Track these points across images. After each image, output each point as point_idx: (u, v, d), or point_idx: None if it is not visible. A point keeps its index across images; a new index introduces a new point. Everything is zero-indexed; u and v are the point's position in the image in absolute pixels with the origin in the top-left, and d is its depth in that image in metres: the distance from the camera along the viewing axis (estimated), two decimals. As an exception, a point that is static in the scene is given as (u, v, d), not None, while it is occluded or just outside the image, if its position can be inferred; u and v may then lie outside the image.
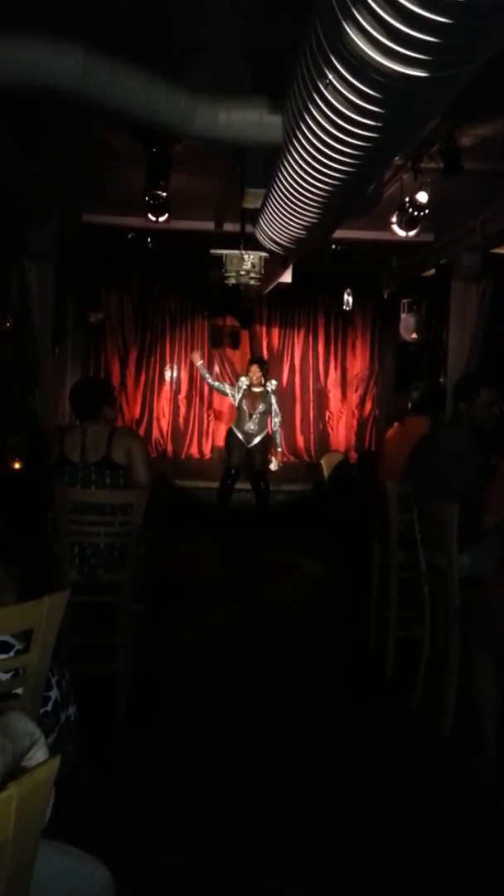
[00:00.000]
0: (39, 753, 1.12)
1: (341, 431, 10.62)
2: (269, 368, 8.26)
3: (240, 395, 7.93)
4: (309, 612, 5.40)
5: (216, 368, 10.40)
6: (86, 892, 1.51)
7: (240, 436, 7.98)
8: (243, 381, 7.99)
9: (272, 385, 7.99)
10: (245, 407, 7.91)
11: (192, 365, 8.40)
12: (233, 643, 4.66)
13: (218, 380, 8.70)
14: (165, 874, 2.40)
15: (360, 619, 4.65)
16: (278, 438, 8.00)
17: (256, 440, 7.98)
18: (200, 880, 2.40)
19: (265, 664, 4.31)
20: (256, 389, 7.92)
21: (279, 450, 8.05)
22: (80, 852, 1.54)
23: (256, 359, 8.50)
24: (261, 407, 7.92)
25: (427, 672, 3.63)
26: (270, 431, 8.01)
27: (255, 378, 7.92)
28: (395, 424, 5.38)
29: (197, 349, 9.01)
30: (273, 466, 7.96)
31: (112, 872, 1.53)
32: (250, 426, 7.94)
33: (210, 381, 8.28)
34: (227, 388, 8.16)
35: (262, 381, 7.94)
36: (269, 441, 8.05)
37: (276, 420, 7.95)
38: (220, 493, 8.12)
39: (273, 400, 7.92)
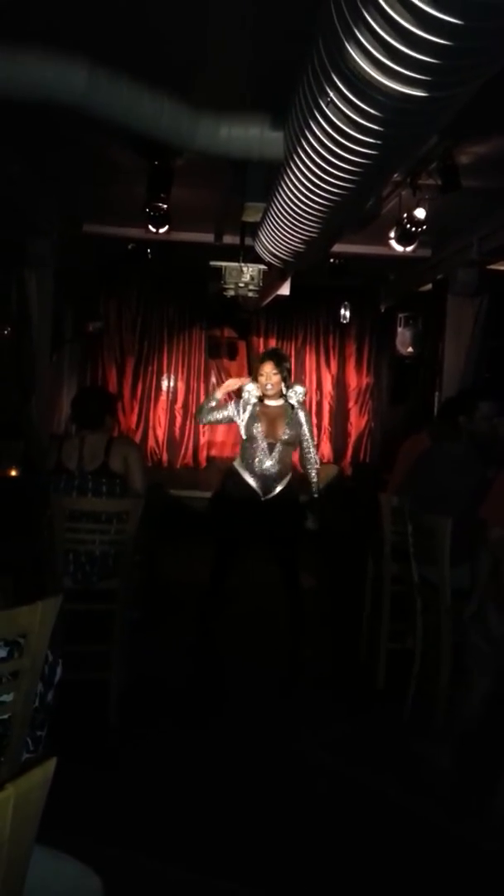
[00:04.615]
0: None
1: (337, 444, 10.64)
2: (291, 368, 4.61)
3: (247, 414, 4.42)
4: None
5: (213, 379, 10.43)
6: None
7: (250, 481, 4.41)
8: (251, 390, 4.44)
9: (298, 394, 4.48)
10: (257, 432, 4.38)
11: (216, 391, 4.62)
12: (226, 652, 4.66)
13: (218, 406, 4.54)
14: (157, 882, 2.41)
15: (353, 631, 4.66)
16: (315, 480, 4.59)
17: (278, 488, 4.42)
18: (194, 889, 2.41)
19: (257, 673, 4.32)
20: (273, 403, 4.43)
21: (316, 496, 4.64)
22: (70, 858, 1.55)
23: (270, 352, 4.73)
24: (285, 433, 4.39)
25: (418, 684, 3.64)
26: (303, 469, 4.60)
27: (269, 383, 4.37)
28: (412, 437, 5.12)
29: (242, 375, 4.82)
30: (312, 524, 4.67)
31: (103, 880, 1.54)
32: (268, 464, 4.37)
33: (210, 416, 4.54)
34: (229, 409, 4.47)
35: (282, 388, 4.43)
36: (294, 487, 4.55)
37: (310, 452, 4.52)
38: (211, 585, 4.73)
39: (303, 419, 4.47)
